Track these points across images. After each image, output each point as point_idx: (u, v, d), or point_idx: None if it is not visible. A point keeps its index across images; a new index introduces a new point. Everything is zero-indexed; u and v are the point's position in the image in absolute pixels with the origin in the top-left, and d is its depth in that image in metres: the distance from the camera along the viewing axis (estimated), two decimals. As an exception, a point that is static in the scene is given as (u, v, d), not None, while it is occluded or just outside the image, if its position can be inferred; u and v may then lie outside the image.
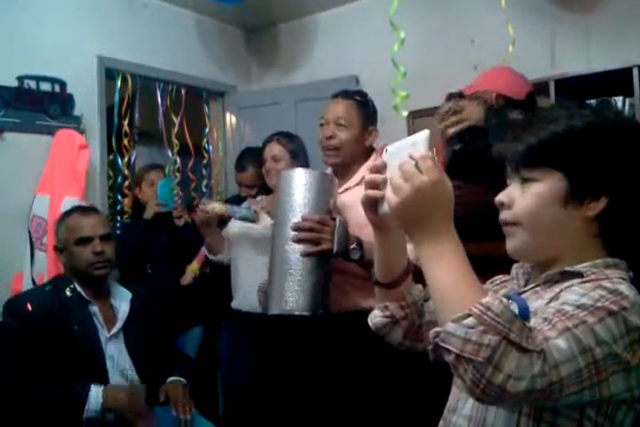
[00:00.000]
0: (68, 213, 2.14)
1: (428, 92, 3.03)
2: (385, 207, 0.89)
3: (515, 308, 0.79)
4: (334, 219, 1.75)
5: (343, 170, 2.02)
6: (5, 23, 2.74)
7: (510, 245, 0.94)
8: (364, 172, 2.00)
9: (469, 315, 0.73)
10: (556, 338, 0.74)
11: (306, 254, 1.72)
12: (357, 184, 1.94)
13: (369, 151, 2.05)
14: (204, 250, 2.97)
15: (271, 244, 1.82)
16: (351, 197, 1.86)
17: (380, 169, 0.92)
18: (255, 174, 3.02)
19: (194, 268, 3.01)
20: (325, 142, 1.99)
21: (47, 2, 2.90)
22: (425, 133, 0.85)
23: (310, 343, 1.92)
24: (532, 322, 0.78)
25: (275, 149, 2.62)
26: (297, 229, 1.72)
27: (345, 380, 1.86)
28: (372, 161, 2.00)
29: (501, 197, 0.94)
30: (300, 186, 1.76)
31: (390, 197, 0.83)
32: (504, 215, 0.94)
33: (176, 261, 3.00)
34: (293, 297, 1.71)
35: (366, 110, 2.04)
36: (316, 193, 1.77)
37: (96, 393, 1.83)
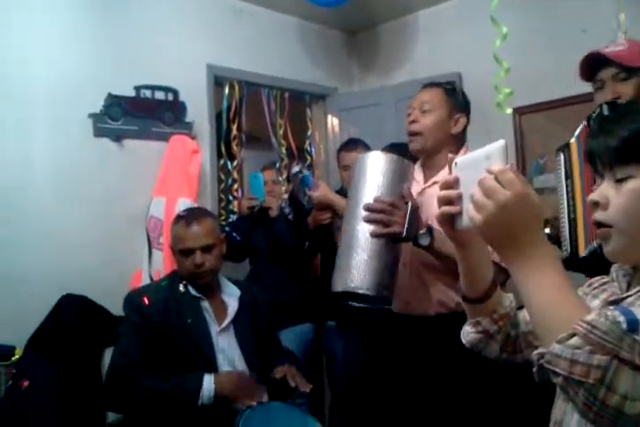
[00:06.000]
0: (176, 220, 2.17)
1: (532, 87, 2.96)
2: (463, 222, 0.88)
3: (622, 319, 0.75)
4: (407, 203, 1.73)
5: (427, 159, 1.99)
6: (123, 39, 2.94)
7: (608, 248, 0.89)
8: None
9: (574, 334, 0.70)
10: None
11: (375, 235, 1.70)
12: None
13: (456, 141, 1.98)
14: None
15: (343, 222, 1.83)
16: (437, 191, 1.84)
17: (453, 184, 0.90)
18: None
19: None
20: (408, 127, 1.97)
21: (160, 18, 3.09)
22: (500, 144, 0.81)
23: (420, 341, 1.91)
24: None
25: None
26: (368, 209, 1.71)
27: (448, 380, 1.84)
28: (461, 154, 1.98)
29: (595, 196, 0.89)
30: (375, 168, 1.76)
31: (474, 215, 0.80)
32: (598, 216, 0.89)
33: (275, 258, 3.01)
34: (359, 275, 1.69)
35: (454, 98, 1.99)
36: (390, 176, 1.76)
37: (209, 381, 1.91)
